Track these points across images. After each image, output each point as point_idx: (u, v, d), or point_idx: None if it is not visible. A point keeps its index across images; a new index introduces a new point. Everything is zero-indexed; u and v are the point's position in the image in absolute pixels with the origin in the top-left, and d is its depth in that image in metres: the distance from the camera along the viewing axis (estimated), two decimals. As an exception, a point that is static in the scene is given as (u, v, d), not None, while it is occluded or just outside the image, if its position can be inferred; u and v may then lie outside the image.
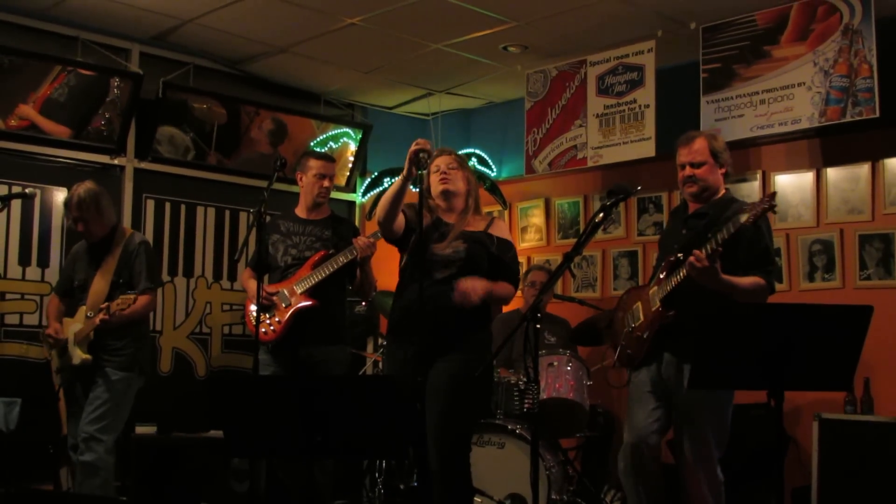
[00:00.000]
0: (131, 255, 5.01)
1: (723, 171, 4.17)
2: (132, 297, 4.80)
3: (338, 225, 5.25)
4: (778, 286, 5.70)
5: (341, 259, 4.97)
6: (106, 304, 4.80)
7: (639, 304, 4.22)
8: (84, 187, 4.98)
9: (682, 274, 3.94)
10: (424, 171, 4.03)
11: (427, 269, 4.05)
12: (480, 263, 4.14)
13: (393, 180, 4.14)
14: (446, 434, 3.97)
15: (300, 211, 5.24)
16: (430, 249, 4.11)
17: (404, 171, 4.02)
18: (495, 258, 4.18)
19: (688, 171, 4.15)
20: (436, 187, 4.25)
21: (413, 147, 3.97)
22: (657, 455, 4.15)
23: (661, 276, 4.08)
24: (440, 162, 4.27)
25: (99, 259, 5.01)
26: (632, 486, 4.16)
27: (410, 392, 3.91)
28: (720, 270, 3.84)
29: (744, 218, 3.76)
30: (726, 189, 4.23)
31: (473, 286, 4.03)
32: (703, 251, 3.82)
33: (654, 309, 4.08)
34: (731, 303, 3.93)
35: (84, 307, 4.95)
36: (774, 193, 3.85)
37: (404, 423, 3.24)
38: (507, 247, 4.25)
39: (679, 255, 3.98)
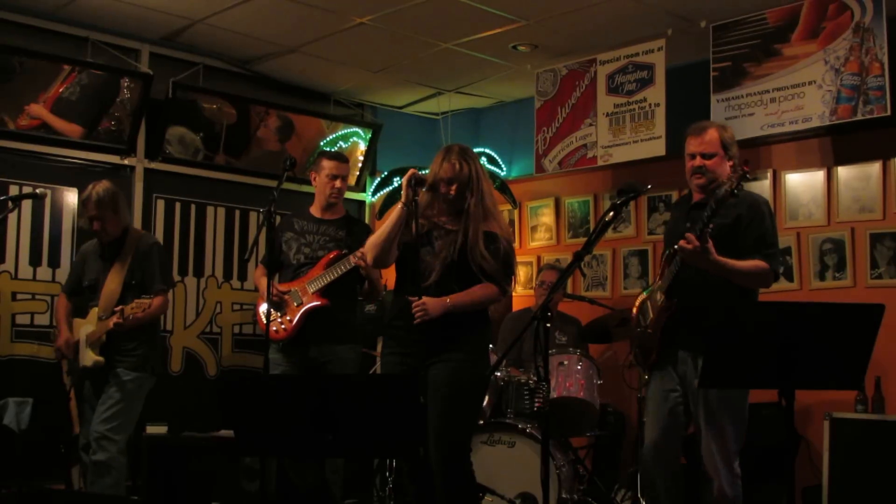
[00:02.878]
0: (144, 257, 5.00)
1: (730, 163, 4.14)
2: (147, 301, 4.78)
3: (353, 225, 5.26)
4: (788, 285, 5.75)
5: (342, 268, 4.97)
6: (120, 307, 4.79)
7: (648, 302, 4.22)
8: (102, 186, 4.98)
9: (678, 262, 3.95)
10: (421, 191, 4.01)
11: (413, 277, 3.99)
12: (465, 266, 3.99)
13: (401, 181, 4.10)
14: (444, 437, 3.92)
15: (315, 210, 5.25)
16: (419, 255, 3.99)
17: (403, 198, 3.99)
18: (480, 256, 3.99)
19: (698, 161, 4.12)
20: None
21: (408, 175, 3.96)
22: (677, 455, 4.15)
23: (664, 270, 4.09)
24: (442, 172, 4.05)
25: (111, 259, 5.01)
26: (653, 486, 4.16)
27: (418, 389, 3.88)
28: (712, 251, 3.84)
29: (723, 189, 3.80)
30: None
31: (424, 307, 3.93)
32: (694, 232, 3.83)
33: (659, 303, 4.08)
34: (742, 300, 3.92)
35: (96, 309, 4.94)
36: (747, 161, 3.89)
37: (415, 422, 3.22)
38: (491, 238, 4.04)
39: (675, 247, 3.96)
